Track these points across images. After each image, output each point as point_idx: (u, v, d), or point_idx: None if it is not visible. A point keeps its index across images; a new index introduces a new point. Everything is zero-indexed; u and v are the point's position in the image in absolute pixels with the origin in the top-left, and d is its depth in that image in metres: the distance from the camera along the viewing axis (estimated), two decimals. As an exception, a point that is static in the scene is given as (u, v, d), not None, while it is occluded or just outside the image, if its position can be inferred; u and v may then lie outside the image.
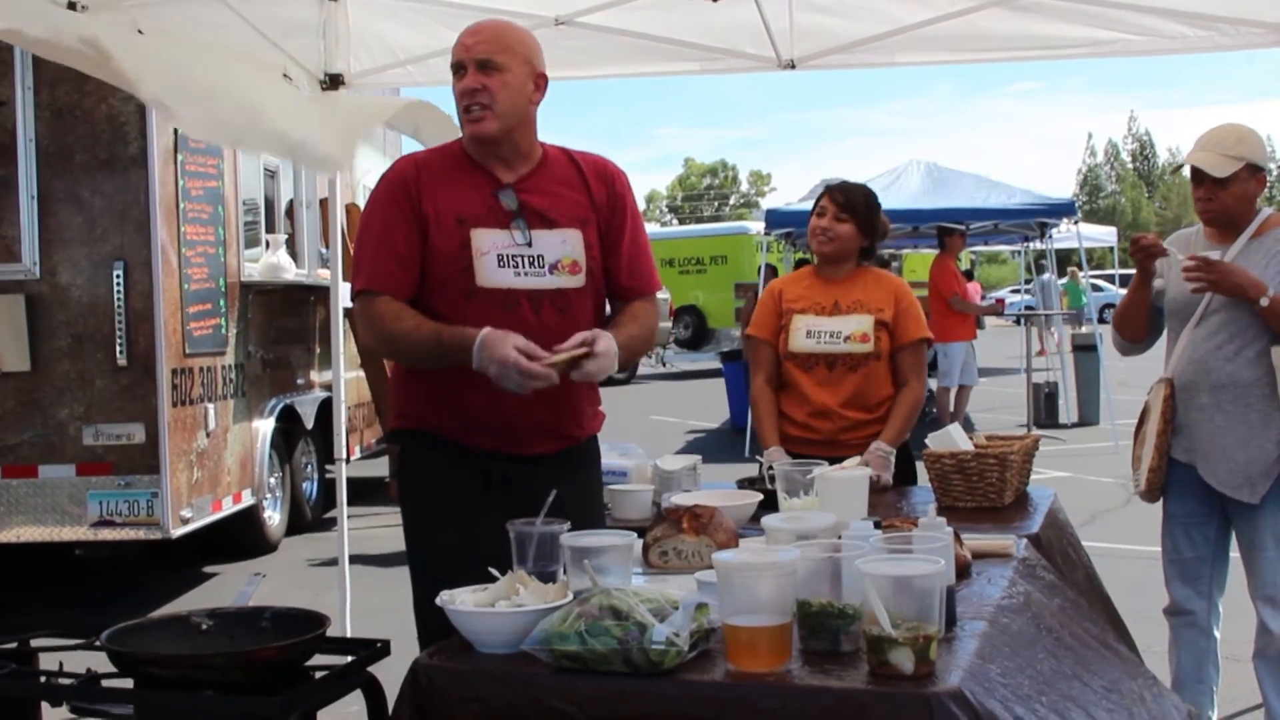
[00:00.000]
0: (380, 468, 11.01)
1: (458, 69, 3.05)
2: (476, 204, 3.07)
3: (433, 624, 2.61)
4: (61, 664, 2.76)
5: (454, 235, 3.03)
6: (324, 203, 9.03)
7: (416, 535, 3.19)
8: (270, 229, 8.93)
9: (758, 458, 3.80)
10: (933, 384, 15.31)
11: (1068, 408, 14.70)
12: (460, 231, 3.03)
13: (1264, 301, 3.81)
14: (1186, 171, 4.06)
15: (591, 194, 3.19)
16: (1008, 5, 5.10)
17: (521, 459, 3.12)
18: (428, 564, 3.10)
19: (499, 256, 3.03)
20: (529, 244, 3.07)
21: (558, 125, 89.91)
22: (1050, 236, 15.62)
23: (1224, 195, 3.95)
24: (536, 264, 3.07)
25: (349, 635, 4.94)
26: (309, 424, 9.33)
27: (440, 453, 3.12)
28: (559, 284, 3.10)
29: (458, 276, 3.03)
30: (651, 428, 15.16)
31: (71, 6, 4.02)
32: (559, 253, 3.10)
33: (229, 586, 7.47)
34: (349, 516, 5.87)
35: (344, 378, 5.97)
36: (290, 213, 9.56)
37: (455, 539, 3.02)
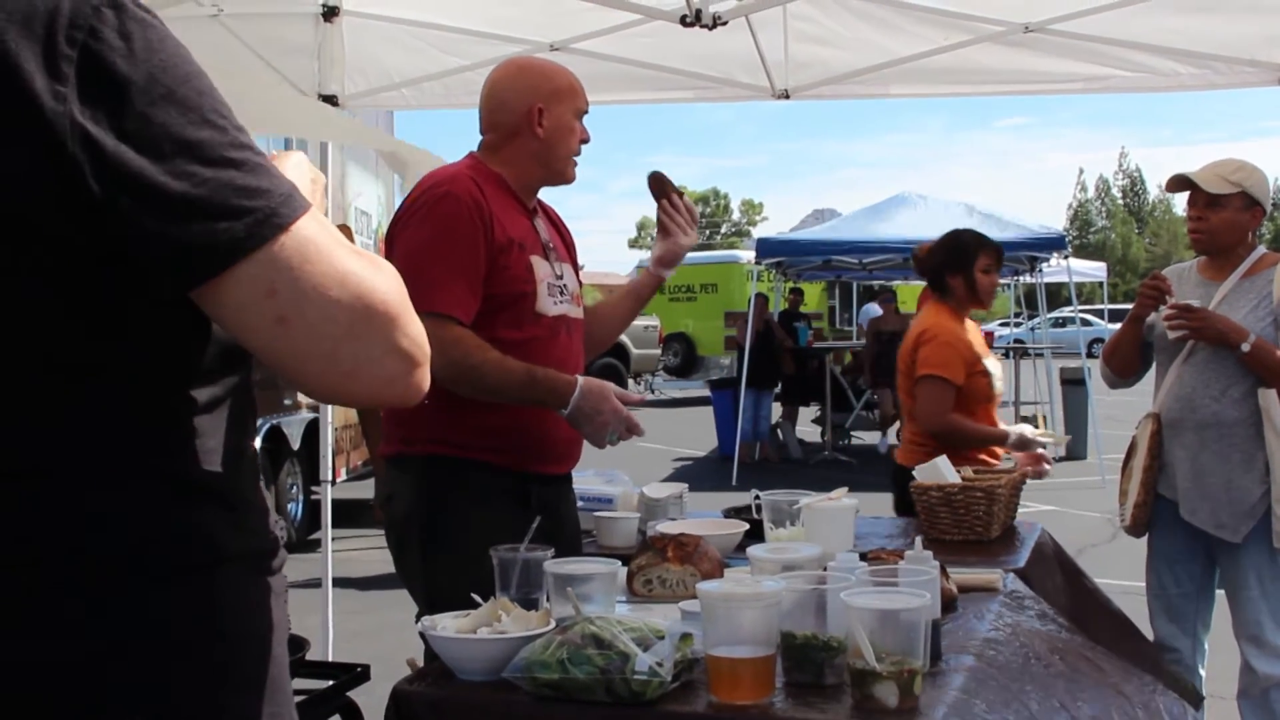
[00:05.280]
0: (366, 490, 10.97)
1: (582, 114, 3.23)
2: (526, 231, 3.14)
3: None
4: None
5: (520, 261, 3.07)
6: (315, 223, 9.01)
7: (449, 562, 3.02)
8: (261, 249, 8.90)
9: (754, 491, 3.77)
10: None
11: (1055, 442, 14.68)
12: (523, 257, 3.08)
13: (1245, 347, 3.82)
14: (1181, 201, 4.07)
15: (563, 236, 3.38)
16: (1002, 40, 5.13)
17: (549, 478, 3.19)
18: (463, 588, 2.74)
19: (547, 285, 3.13)
20: (561, 275, 3.20)
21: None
22: (1040, 271, 15.66)
23: (1214, 218, 3.95)
24: (564, 293, 3.20)
25: (331, 659, 4.91)
26: (295, 445, 9.31)
27: (474, 475, 3.05)
28: (576, 313, 3.26)
29: (520, 301, 3.07)
30: (638, 455, 15.14)
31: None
32: (573, 284, 3.27)
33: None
34: (333, 539, 5.84)
35: (331, 399, 5.94)
36: (281, 233, 9.54)
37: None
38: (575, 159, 3.24)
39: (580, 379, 2.99)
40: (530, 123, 3.14)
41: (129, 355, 1.28)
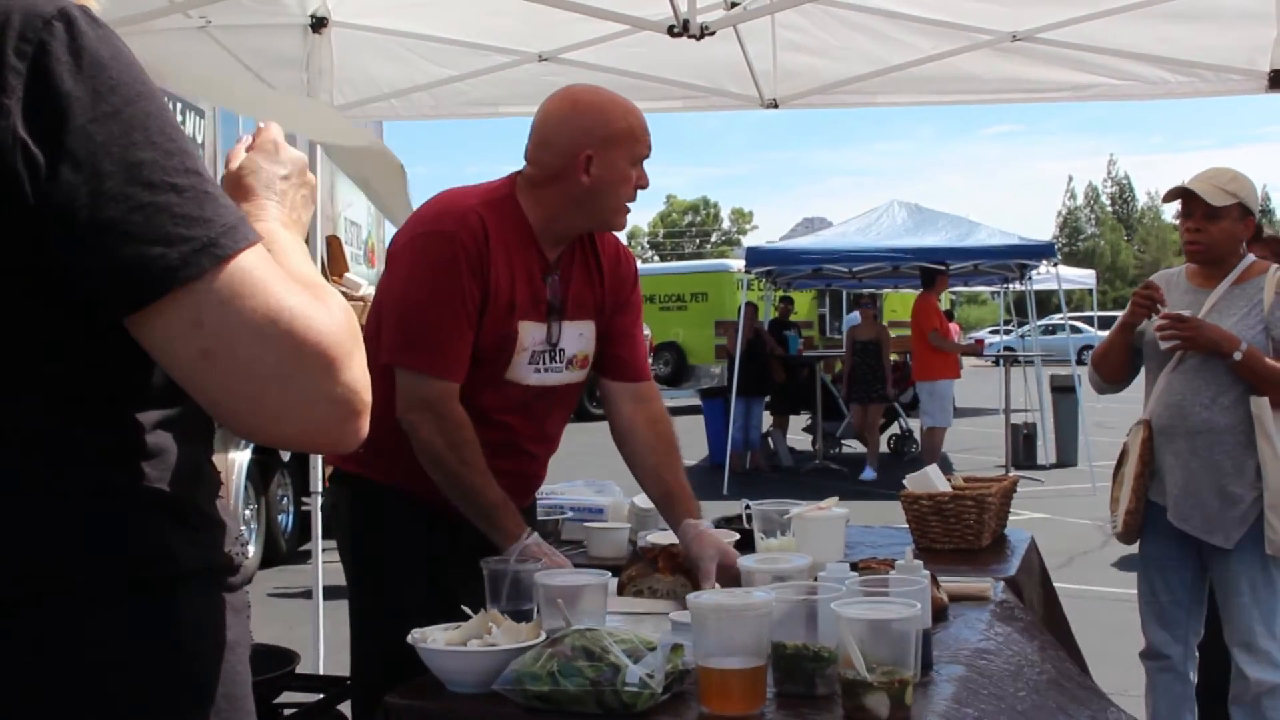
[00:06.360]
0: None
1: (641, 160, 2.92)
2: (526, 290, 2.89)
3: (378, 676, 2.52)
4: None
5: (504, 322, 2.85)
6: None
7: (382, 588, 3.02)
8: (250, 260, 8.89)
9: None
10: (914, 423, 15.34)
11: (1046, 449, 14.71)
12: (510, 320, 2.86)
13: (1237, 356, 3.83)
14: (1174, 208, 4.07)
15: (604, 280, 3.08)
16: (991, 48, 5.14)
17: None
18: (391, 616, 2.73)
19: (531, 353, 2.93)
20: (556, 340, 2.98)
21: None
22: (1030, 278, 15.69)
23: (1213, 229, 3.96)
24: (557, 359, 2.99)
25: (321, 671, 4.89)
26: (285, 456, 9.28)
27: (410, 508, 2.94)
28: (569, 379, 3.04)
29: (491, 364, 2.88)
30: (630, 464, 15.08)
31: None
32: (576, 347, 3.03)
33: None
34: (324, 550, 5.82)
35: (321, 410, 5.91)
36: (271, 244, 9.52)
37: (428, 596, 2.85)
38: (629, 206, 2.95)
39: (531, 540, 2.76)
40: (575, 169, 2.83)
41: (78, 375, 1.26)
